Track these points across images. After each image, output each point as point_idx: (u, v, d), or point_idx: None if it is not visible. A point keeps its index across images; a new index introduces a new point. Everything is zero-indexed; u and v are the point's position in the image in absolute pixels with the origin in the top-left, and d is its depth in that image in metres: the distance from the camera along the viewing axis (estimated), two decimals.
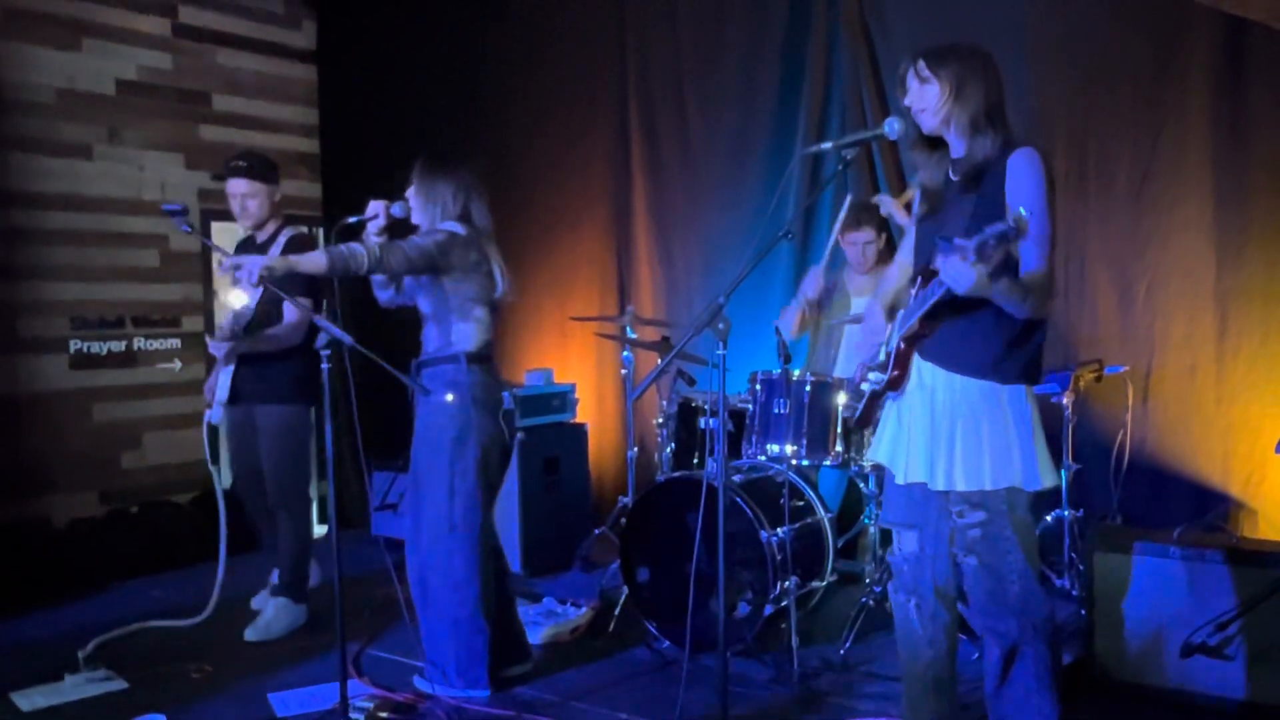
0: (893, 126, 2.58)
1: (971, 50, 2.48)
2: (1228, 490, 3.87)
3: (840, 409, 3.83)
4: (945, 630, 2.67)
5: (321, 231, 6.28)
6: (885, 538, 4.10)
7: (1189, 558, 3.11)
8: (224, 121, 5.86)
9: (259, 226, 4.10)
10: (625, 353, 4.66)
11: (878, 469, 3.60)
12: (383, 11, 6.07)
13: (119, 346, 5.40)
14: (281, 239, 4.06)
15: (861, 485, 4.19)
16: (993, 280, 2.26)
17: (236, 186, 4.03)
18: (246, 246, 4.16)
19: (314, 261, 3.14)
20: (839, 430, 3.82)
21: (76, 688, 3.48)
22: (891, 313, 2.73)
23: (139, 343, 5.46)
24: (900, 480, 2.61)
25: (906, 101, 2.50)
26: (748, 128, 4.95)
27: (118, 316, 5.40)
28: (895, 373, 2.57)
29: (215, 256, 3.14)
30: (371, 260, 3.17)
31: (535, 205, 5.56)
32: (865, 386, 2.73)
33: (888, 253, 4.30)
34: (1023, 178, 2.37)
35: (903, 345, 2.56)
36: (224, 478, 4.16)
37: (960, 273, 2.21)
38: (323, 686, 3.43)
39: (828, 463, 3.85)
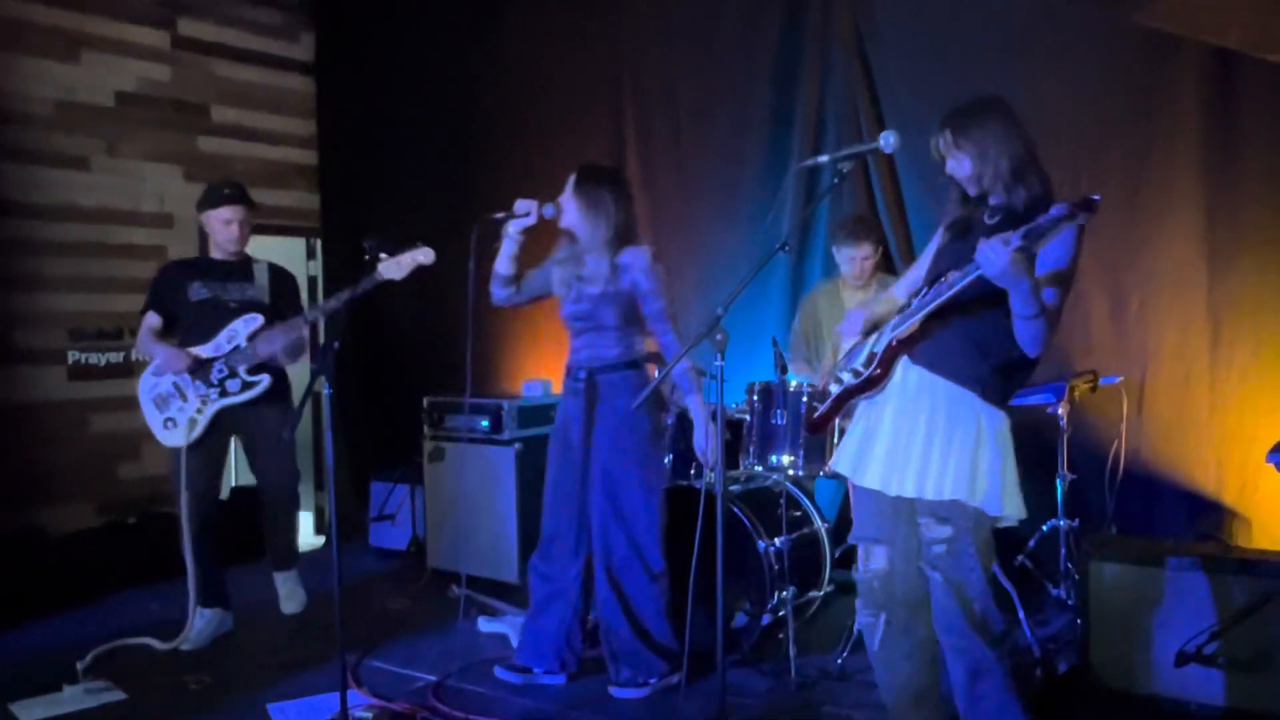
0: (888, 140, 2.61)
1: (993, 111, 2.54)
2: (1221, 499, 3.89)
3: (838, 419, 3.84)
4: (920, 644, 2.68)
5: (320, 244, 6.31)
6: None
7: (1183, 567, 3.13)
8: (222, 133, 5.88)
9: (240, 255, 4.22)
10: None
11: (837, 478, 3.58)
12: (380, 24, 6.09)
13: (117, 358, 5.40)
14: (263, 265, 4.25)
15: None
16: (1025, 272, 2.26)
17: (235, 213, 4.12)
18: (211, 264, 4.20)
19: (696, 404, 3.44)
20: (836, 440, 3.84)
21: (75, 699, 3.48)
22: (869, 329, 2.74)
23: (136, 354, 5.47)
24: (864, 483, 2.61)
25: (948, 169, 2.60)
26: (743, 141, 4.98)
27: (115, 328, 5.40)
28: (878, 371, 2.57)
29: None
30: (681, 345, 3.26)
31: None
32: (833, 387, 2.72)
33: (884, 265, 4.34)
34: (1055, 244, 2.38)
35: (894, 344, 2.56)
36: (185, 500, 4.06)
37: (996, 254, 2.22)
38: (322, 697, 3.43)
39: (825, 473, 3.87)
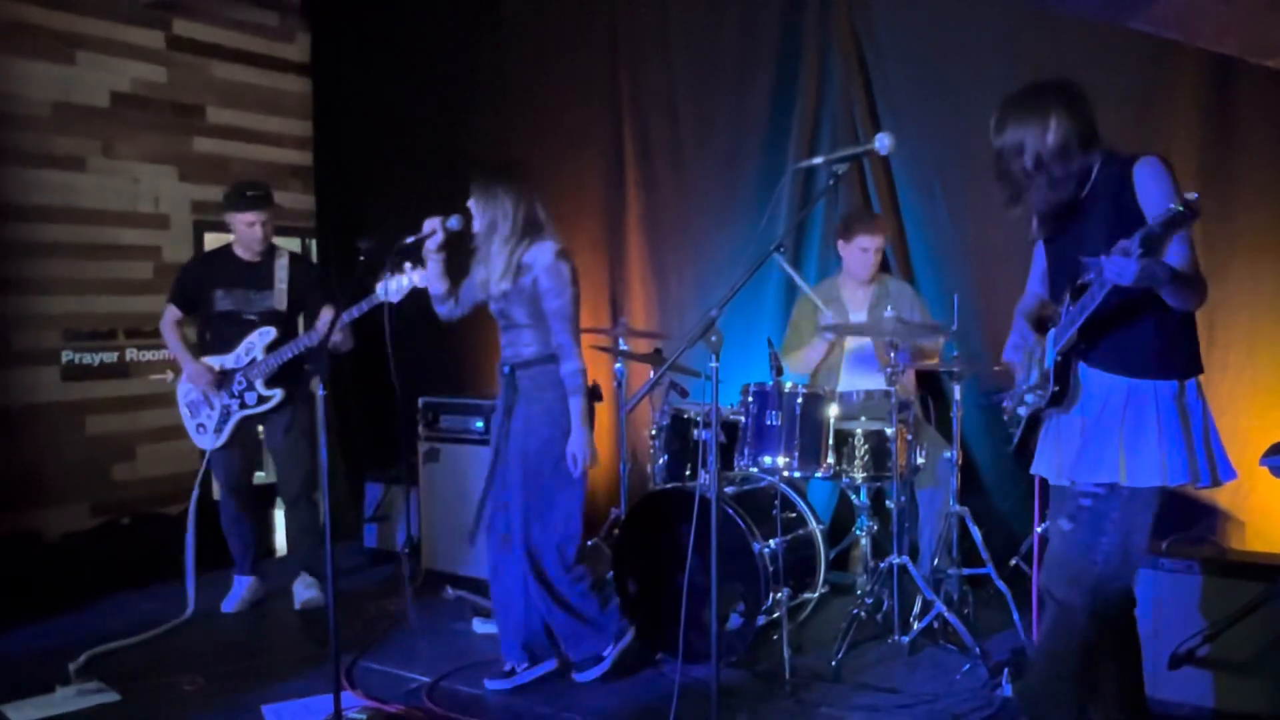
0: (883, 142, 2.61)
1: (1046, 85, 2.54)
2: (1215, 502, 3.90)
3: (832, 420, 3.86)
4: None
5: (315, 244, 6.31)
6: (877, 549, 4.14)
7: (1178, 569, 3.13)
8: (218, 134, 5.87)
9: (263, 252, 4.39)
10: (618, 365, 4.68)
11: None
12: (376, 24, 6.09)
13: (111, 358, 5.40)
14: (284, 259, 4.42)
15: (853, 497, 4.21)
16: (1157, 266, 2.26)
17: (256, 215, 4.30)
18: (234, 265, 4.40)
19: (575, 412, 3.43)
20: (831, 442, 3.85)
21: (68, 700, 3.48)
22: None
23: (131, 354, 5.47)
24: (1055, 480, 2.63)
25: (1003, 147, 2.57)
26: (740, 142, 4.99)
27: (110, 328, 5.40)
28: (1057, 388, 2.56)
29: None
30: (578, 355, 3.43)
31: None
32: (1021, 411, 2.70)
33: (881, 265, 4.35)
34: (1152, 186, 2.41)
35: (1060, 359, 2.56)
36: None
37: (1122, 267, 2.23)
38: (316, 698, 3.43)
39: (819, 474, 3.87)
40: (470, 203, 3.46)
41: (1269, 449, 3.21)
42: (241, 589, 4.52)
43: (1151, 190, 2.42)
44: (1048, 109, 2.50)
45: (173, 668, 3.78)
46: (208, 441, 4.38)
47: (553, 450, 3.44)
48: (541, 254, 3.40)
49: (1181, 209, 2.14)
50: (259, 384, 4.31)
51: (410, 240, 3.41)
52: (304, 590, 4.52)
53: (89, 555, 4.89)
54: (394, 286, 3.77)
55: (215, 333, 4.40)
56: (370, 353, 6.30)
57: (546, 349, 3.45)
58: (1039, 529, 3.60)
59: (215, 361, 4.36)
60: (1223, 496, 3.89)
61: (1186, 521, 3.90)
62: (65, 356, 5.22)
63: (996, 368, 2.91)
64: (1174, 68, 3.93)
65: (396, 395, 3.41)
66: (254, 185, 4.40)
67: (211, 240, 5.86)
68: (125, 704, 3.49)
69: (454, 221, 3.44)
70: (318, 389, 3.08)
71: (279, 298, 4.38)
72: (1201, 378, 2.53)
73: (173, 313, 4.46)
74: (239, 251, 4.40)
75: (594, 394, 3.62)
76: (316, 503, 4.54)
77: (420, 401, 4.99)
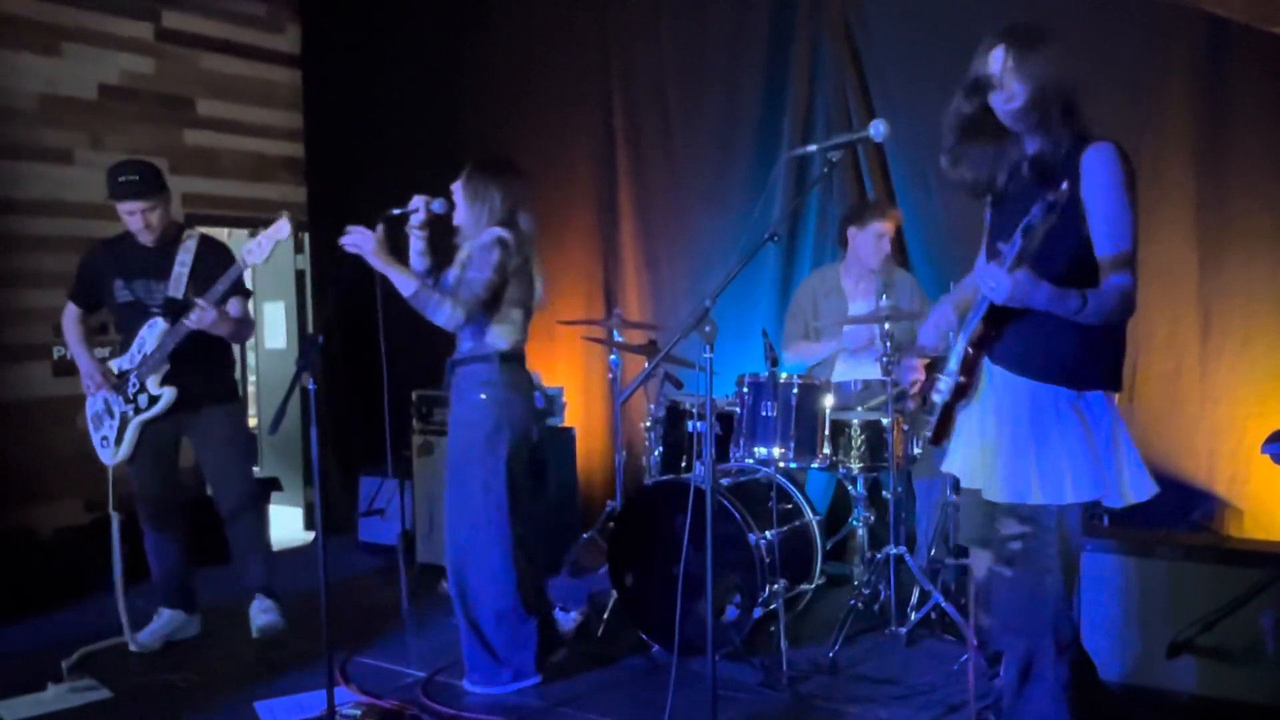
0: (878, 129, 2.57)
1: (1053, 42, 2.33)
2: (1213, 490, 3.89)
3: (828, 411, 3.84)
4: None
5: (308, 236, 6.26)
6: (874, 539, 4.12)
7: (1175, 557, 3.12)
8: (207, 126, 5.83)
9: (164, 235, 3.86)
10: (612, 356, 4.66)
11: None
12: (366, 15, 6.05)
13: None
14: (190, 244, 3.88)
15: (849, 487, 4.19)
16: (1033, 287, 2.13)
17: (134, 205, 3.75)
18: (135, 252, 3.89)
19: (402, 282, 3.27)
20: (827, 432, 3.83)
21: (60, 698, 3.46)
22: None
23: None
24: (966, 483, 2.53)
25: (990, 100, 2.34)
26: (732, 130, 4.96)
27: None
28: (962, 379, 2.43)
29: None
30: (454, 312, 3.27)
31: None
32: (936, 398, 2.54)
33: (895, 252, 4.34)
34: (1096, 174, 2.25)
35: (970, 350, 2.42)
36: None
37: (997, 280, 2.11)
38: (309, 694, 3.41)
39: (815, 465, 3.86)
40: (457, 192, 3.43)
41: (1270, 436, 3.19)
42: (159, 623, 4.00)
43: (1094, 180, 2.25)
44: (1058, 62, 2.30)
45: (165, 665, 3.76)
46: (108, 456, 3.93)
47: (477, 452, 3.37)
48: (488, 234, 3.35)
49: (1050, 200, 2.00)
50: (150, 383, 3.82)
51: (396, 212, 3.38)
52: (260, 615, 3.99)
53: (82, 552, 4.85)
54: (264, 243, 3.57)
55: (122, 329, 3.94)
56: (364, 345, 6.26)
57: (480, 346, 3.40)
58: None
59: (115, 363, 3.92)
60: (1220, 484, 3.89)
61: (1184, 509, 3.90)
62: (57, 352, 5.18)
63: (915, 355, 2.78)
64: (1167, 48, 3.91)
65: (384, 388, 3.35)
66: (130, 167, 3.77)
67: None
68: (118, 701, 3.47)
69: (438, 204, 3.41)
70: (308, 383, 2.96)
71: (176, 285, 3.81)
72: (1152, 374, 2.40)
73: (71, 310, 4.00)
74: (140, 237, 3.84)
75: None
76: (261, 516, 4.16)
77: (414, 395, 4.96)
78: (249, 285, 4.09)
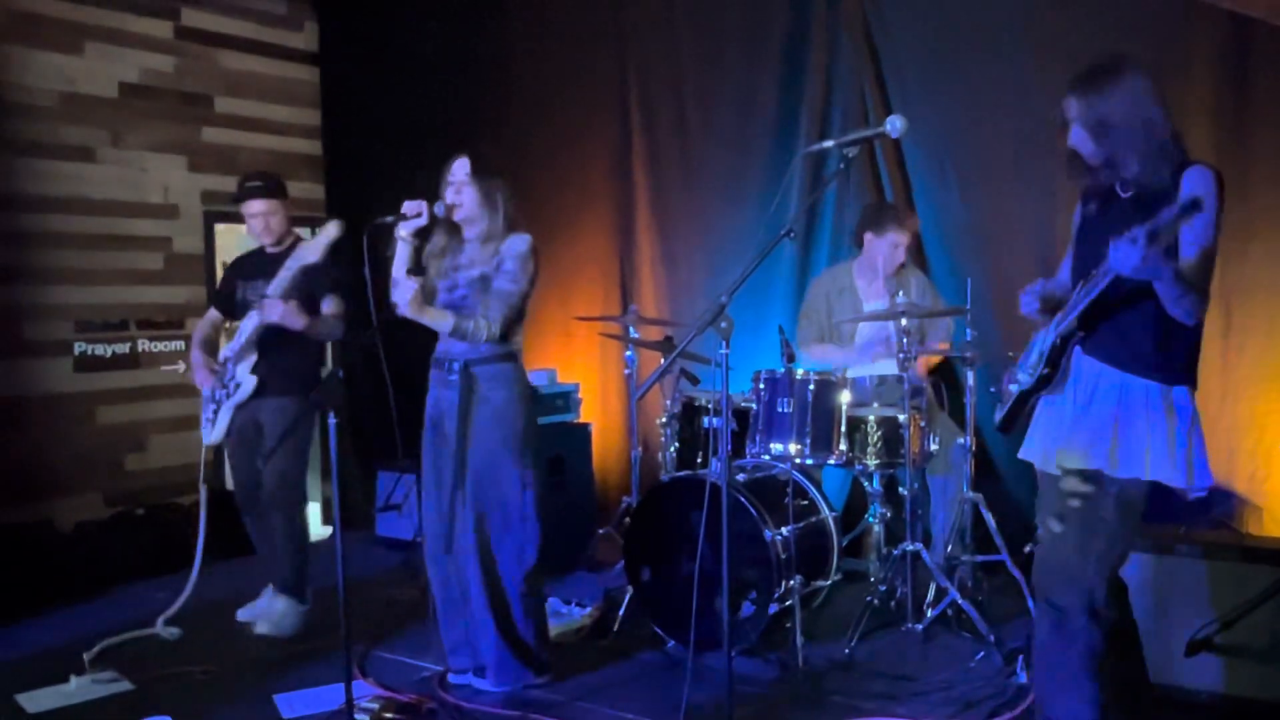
0: (895, 125, 2.58)
1: (1124, 77, 2.42)
2: (1233, 487, 3.86)
3: (845, 407, 3.83)
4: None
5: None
6: (890, 536, 4.11)
7: (1195, 555, 3.10)
8: (226, 124, 5.87)
9: (279, 241, 4.20)
10: (629, 352, 4.66)
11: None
12: (384, 14, 6.07)
13: (123, 349, 5.41)
14: (300, 251, 4.00)
15: (865, 484, 4.19)
16: (1159, 265, 2.23)
17: (257, 206, 4.14)
18: (257, 258, 4.25)
19: (439, 323, 3.30)
20: (843, 428, 3.82)
21: (82, 690, 3.49)
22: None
23: (143, 345, 5.48)
24: (1041, 467, 2.59)
25: (1070, 141, 2.49)
26: (749, 126, 4.95)
27: (121, 319, 5.41)
28: (1047, 370, 2.54)
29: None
30: (487, 333, 3.28)
31: (537, 205, 5.54)
32: (1013, 387, 2.68)
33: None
34: (1196, 190, 2.32)
35: (1058, 342, 2.53)
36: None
37: (1126, 254, 2.20)
38: (328, 687, 3.43)
39: (832, 461, 3.85)
40: (457, 192, 3.33)
41: None
42: (261, 602, 4.23)
43: (1195, 194, 2.33)
44: (1153, 84, 2.41)
45: (186, 658, 3.79)
46: (207, 435, 4.17)
47: (513, 451, 3.35)
48: (516, 244, 3.33)
49: (1184, 204, 2.10)
50: (239, 370, 4.08)
51: (390, 218, 3.28)
52: (265, 618, 4.08)
53: (102, 545, 4.90)
54: (320, 244, 3.70)
55: (237, 323, 4.27)
56: (383, 340, 6.29)
57: (505, 345, 3.36)
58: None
59: (221, 353, 4.23)
60: (1240, 482, 3.86)
61: (1204, 507, 3.87)
62: (77, 348, 5.24)
63: (1011, 354, 2.87)
64: (1187, 45, 3.88)
65: (387, 387, 3.29)
66: (258, 175, 4.25)
67: (221, 230, 5.87)
68: (139, 693, 3.50)
69: (440, 208, 3.31)
70: (329, 420, 2.95)
71: (277, 285, 4.01)
72: (1196, 389, 2.49)
73: (211, 314, 4.37)
74: (262, 240, 4.25)
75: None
76: (291, 516, 4.12)
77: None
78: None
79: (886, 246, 4.19)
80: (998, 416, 2.76)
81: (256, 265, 4.23)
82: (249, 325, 4.06)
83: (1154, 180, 2.39)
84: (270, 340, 4.02)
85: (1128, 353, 2.45)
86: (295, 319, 3.92)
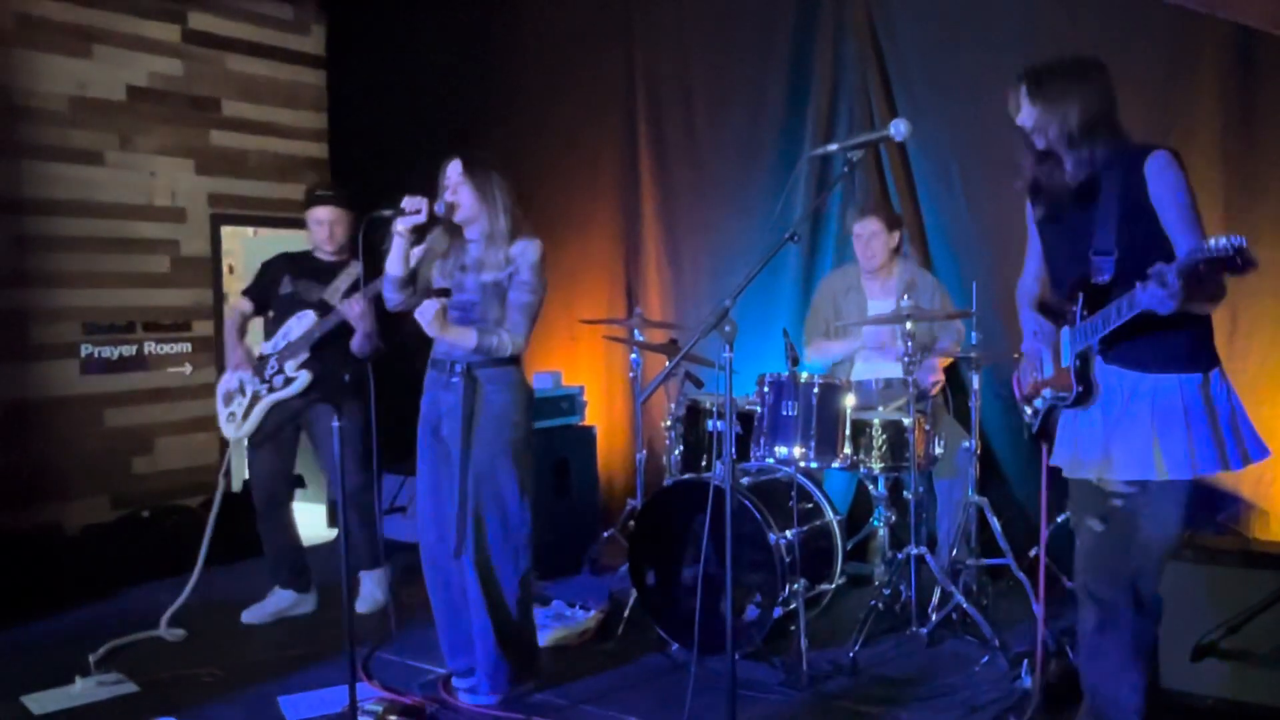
0: (899, 128, 2.58)
1: (1072, 64, 2.51)
2: (1239, 492, 3.85)
3: (849, 410, 3.83)
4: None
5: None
6: (895, 540, 4.11)
7: (1200, 560, 3.09)
8: (234, 127, 5.89)
9: (339, 251, 4.29)
10: (633, 355, 4.67)
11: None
12: (391, 16, 6.09)
13: (130, 351, 5.43)
14: (355, 269, 4.17)
15: (870, 487, 4.18)
16: (1190, 290, 2.24)
17: (325, 214, 4.24)
18: (310, 260, 4.33)
19: (463, 341, 3.24)
20: (848, 432, 3.82)
21: (88, 691, 3.50)
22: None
23: (150, 348, 5.50)
24: (1070, 474, 2.60)
25: (1018, 120, 2.56)
26: (755, 129, 4.95)
27: (128, 321, 5.43)
28: (1080, 389, 2.53)
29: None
30: (513, 347, 3.28)
31: (543, 208, 5.55)
32: (1039, 403, 2.70)
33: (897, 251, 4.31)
34: (1162, 182, 2.41)
35: (1079, 363, 2.53)
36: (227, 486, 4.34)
37: (1161, 299, 2.21)
38: (332, 690, 3.44)
39: (836, 465, 3.85)
40: (453, 193, 3.30)
41: None
42: (270, 601, 4.32)
43: (1162, 186, 2.41)
44: (1074, 86, 2.48)
45: (191, 659, 3.80)
46: (233, 430, 4.23)
47: (512, 455, 3.33)
48: (529, 251, 3.30)
49: (1234, 255, 2.10)
50: (289, 366, 4.16)
51: (388, 212, 3.25)
52: (361, 601, 4.37)
53: (109, 548, 4.91)
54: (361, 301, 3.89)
55: (275, 317, 4.31)
56: (386, 343, 6.31)
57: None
58: (1047, 524, 3.56)
59: (260, 348, 4.30)
60: (1246, 486, 3.85)
61: (1209, 511, 3.86)
62: (84, 350, 5.26)
63: (1016, 356, 2.88)
64: (1194, 49, 3.88)
65: (369, 389, 3.28)
66: (327, 185, 4.50)
67: (228, 233, 5.90)
68: (144, 695, 3.51)
69: (440, 206, 3.28)
70: (333, 424, 2.99)
71: (334, 294, 4.21)
72: (1223, 367, 2.50)
73: (242, 304, 4.40)
74: (322, 248, 4.33)
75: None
76: (370, 521, 4.34)
77: None
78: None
79: (859, 241, 4.18)
80: (1034, 427, 2.75)
81: (310, 267, 4.31)
82: (300, 324, 4.17)
83: (1084, 168, 2.46)
84: (327, 343, 4.14)
85: (1154, 354, 2.45)
86: (367, 322, 4.02)
